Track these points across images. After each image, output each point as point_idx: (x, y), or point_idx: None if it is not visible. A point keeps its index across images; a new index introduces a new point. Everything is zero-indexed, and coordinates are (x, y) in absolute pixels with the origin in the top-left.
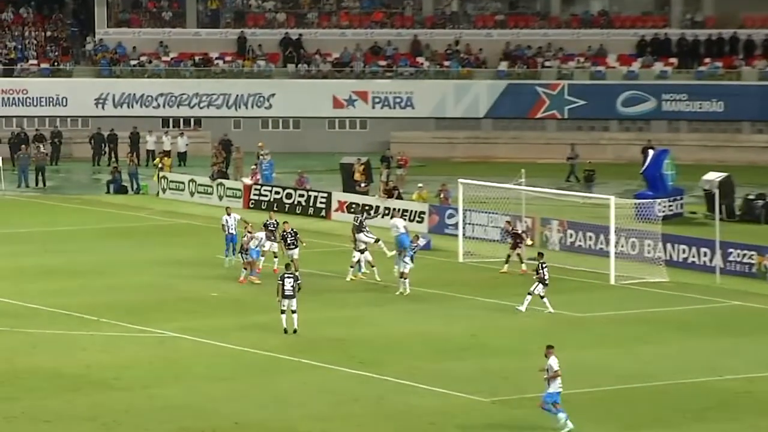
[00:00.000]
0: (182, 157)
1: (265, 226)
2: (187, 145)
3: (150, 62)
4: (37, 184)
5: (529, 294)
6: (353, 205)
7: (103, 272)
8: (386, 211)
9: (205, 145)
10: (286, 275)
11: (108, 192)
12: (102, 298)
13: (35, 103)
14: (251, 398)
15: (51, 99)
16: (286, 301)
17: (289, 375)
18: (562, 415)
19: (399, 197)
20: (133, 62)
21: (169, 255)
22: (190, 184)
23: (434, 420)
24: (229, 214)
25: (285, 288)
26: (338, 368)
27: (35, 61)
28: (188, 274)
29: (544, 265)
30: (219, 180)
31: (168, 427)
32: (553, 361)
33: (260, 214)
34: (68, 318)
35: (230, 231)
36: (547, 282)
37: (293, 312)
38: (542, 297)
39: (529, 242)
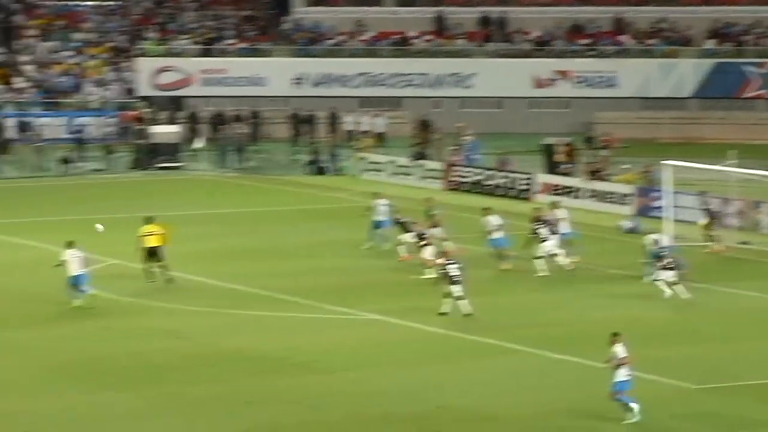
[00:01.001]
0: (381, 137)
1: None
2: (386, 125)
3: (347, 42)
4: (236, 164)
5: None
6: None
7: (303, 254)
8: (591, 193)
9: (404, 125)
10: (449, 262)
11: (307, 173)
12: (303, 280)
13: (234, 83)
14: (455, 383)
15: (249, 79)
16: (453, 287)
17: (493, 359)
18: (635, 405)
19: (603, 179)
20: (330, 42)
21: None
22: (390, 164)
23: (643, 407)
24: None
25: (450, 275)
26: (541, 353)
27: (234, 41)
28: (388, 256)
29: None
30: (418, 161)
31: (372, 411)
32: (619, 349)
33: (460, 196)
34: (270, 299)
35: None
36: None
37: (460, 298)
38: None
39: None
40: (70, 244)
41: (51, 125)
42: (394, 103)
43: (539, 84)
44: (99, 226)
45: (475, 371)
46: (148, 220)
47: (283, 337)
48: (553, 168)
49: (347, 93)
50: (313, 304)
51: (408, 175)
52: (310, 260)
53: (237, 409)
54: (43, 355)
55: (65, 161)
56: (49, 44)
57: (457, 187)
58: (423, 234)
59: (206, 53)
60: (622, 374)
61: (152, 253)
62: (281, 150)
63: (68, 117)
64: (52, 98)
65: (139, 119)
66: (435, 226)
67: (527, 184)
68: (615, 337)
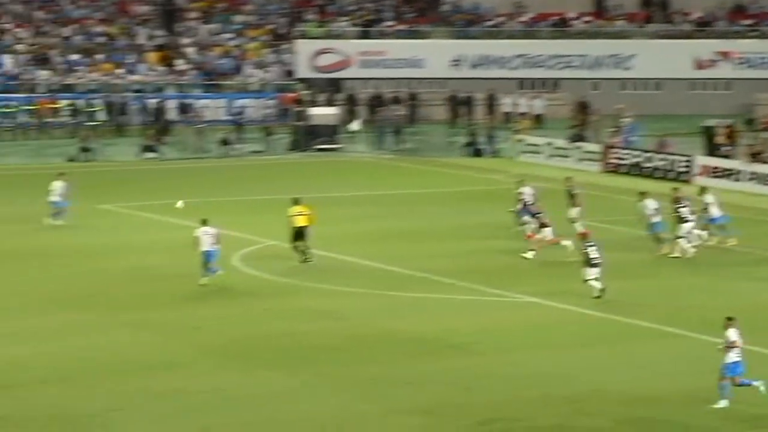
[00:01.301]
0: (539, 119)
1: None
2: (544, 107)
3: (506, 23)
4: (394, 146)
5: None
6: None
7: (459, 235)
8: (751, 176)
9: (562, 107)
10: (588, 244)
11: (464, 155)
12: (459, 262)
13: (392, 65)
14: (612, 366)
15: (408, 61)
16: (591, 270)
17: (650, 343)
18: (756, 383)
19: (764, 161)
20: (489, 23)
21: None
22: (547, 147)
23: None
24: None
25: (590, 257)
26: (700, 337)
27: (392, 23)
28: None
29: None
30: (577, 143)
31: (528, 394)
32: (732, 333)
33: (618, 178)
34: (426, 281)
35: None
36: None
37: (596, 280)
38: None
39: None
40: (204, 222)
41: (211, 107)
42: (552, 84)
43: (700, 65)
44: (180, 203)
45: (632, 354)
46: (296, 201)
47: (440, 319)
48: (713, 150)
49: (505, 75)
50: (469, 286)
51: (566, 157)
52: (467, 242)
53: (393, 390)
54: (202, 335)
55: (225, 143)
56: (210, 26)
57: (615, 170)
58: (540, 214)
59: (365, 35)
60: (731, 356)
61: (300, 234)
62: (438, 132)
63: (228, 99)
64: (212, 80)
65: (298, 101)
66: (574, 206)
67: (686, 166)
68: (729, 321)
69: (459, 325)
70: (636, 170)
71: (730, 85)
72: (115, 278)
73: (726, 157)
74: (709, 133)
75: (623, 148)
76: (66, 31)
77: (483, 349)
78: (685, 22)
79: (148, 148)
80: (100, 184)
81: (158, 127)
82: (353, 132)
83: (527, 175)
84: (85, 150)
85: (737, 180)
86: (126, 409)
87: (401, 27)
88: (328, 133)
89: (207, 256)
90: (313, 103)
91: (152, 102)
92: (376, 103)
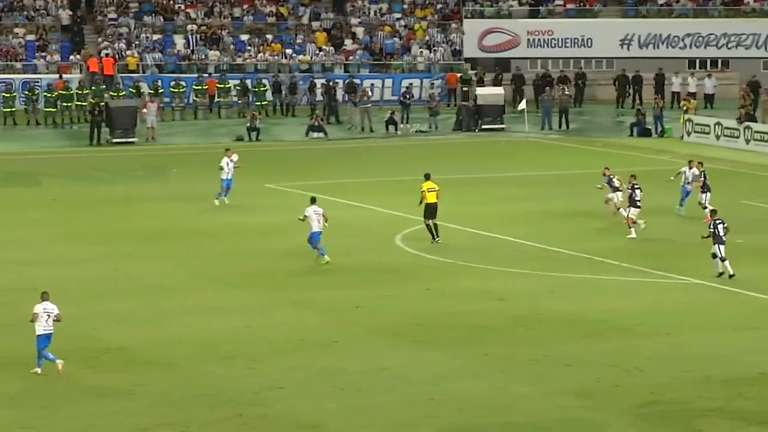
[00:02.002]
0: (709, 99)
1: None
2: (714, 87)
3: (677, 2)
4: (560, 126)
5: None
6: None
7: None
8: None
9: (733, 87)
10: (717, 220)
11: (631, 135)
12: (623, 243)
13: (560, 45)
14: None
15: (576, 40)
16: (719, 247)
17: None
18: None
19: None
20: (660, 2)
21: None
22: (716, 127)
23: None
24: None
25: (718, 234)
26: None
27: (561, 2)
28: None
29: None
30: (746, 123)
31: (690, 376)
32: None
33: None
34: (589, 262)
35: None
36: None
37: (723, 260)
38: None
39: None
40: (312, 200)
41: (378, 87)
42: (722, 64)
43: None
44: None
45: None
46: (427, 177)
47: (602, 300)
48: None
49: (675, 54)
50: (633, 267)
51: (735, 138)
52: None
53: (555, 371)
54: (364, 314)
55: (391, 123)
56: (379, 6)
57: None
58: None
59: (533, 14)
60: None
61: (432, 209)
62: (605, 112)
63: (395, 79)
64: (380, 60)
65: (465, 81)
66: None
67: None
68: None
69: (621, 307)
70: None
71: None
72: (279, 257)
73: None
74: None
75: None
76: (236, 11)
77: (645, 330)
78: None
79: (315, 128)
80: (267, 163)
81: (325, 106)
82: (519, 112)
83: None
84: (252, 130)
85: None
86: (287, 388)
87: (570, 6)
88: (494, 113)
89: (312, 237)
90: (480, 83)
91: (320, 82)
92: (543, 83)
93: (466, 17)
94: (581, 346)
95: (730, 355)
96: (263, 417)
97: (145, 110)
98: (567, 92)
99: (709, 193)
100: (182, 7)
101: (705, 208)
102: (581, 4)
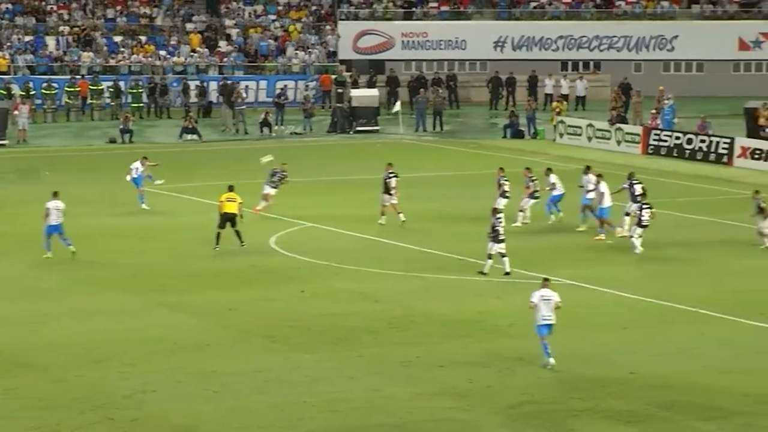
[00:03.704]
0: (581, 101)
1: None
2: (586, 88)
3: (550, 4)
4: (434, 128)
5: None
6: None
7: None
8: None
9: (605, 88)
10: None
11: (504, 136)
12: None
13: (434, 47)
14: (648, 349)
15: (450, 42)
16: (494, 245)
17: (687, 326)
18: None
19: None
20: (533, 4)
21: (566, 201)
22: (588, 128)
23: None
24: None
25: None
26: (739, 320)
27: (435, 5)
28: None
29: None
30: (617, 125)
31: (562, 377)
32: None
33: (658, 160)
34: (463, 264)
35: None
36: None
37: (503, 256)
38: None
39: None
40: (55, 194)
41: (253, 88)
42: (594, 66)
43: (744, 46)
44: (266, 158)
45: (667, 337)
46: (230, 188)
47: (476, 302)
48: (754, 132)
49: (548, 56)
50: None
51: (606, 139)
52: (505, 225)
53: (428, 372)
54: (238, 316)
55: (265, 124)
56: (254, 8)
57: (655, 152)
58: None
59: (408, 16)
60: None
61: (229, 219)
62: (479, 114)
63: (270, 80)
64: (254, 62)
65: (339, 83)
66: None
67: (727, 148)
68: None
69: (494, 308)
70: (676, 152)
71: None
72: (153, 260)
73: (767, 139)
74: (751, 114)
75: (663, 130)
76: (109, 12)
77: (517, 331)
78: (730, 3)
79: (189, 130)
80: None
81: (199, 109)
82: (394, 114)
83: (569, 158)
84: (125, 132)
85: None
86: (160, 391)
87: (444, 8)
88: (368, 114)
89: (52, 230)
90: (355, 85)
91: (194, 84)
92: (417, 84)
93: (340, 19)
94: (454, 347)
95: (601, 355)
96: (135, 420)
97: (16, 112)
98: (441, 94)
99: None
100: (54, 8)
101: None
102: (455, 6)
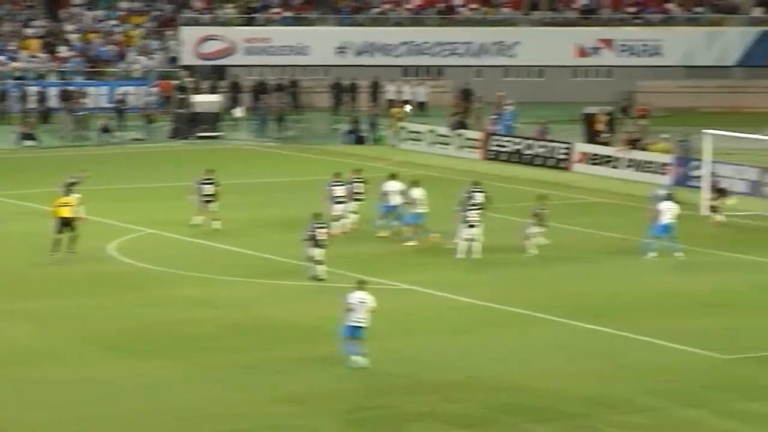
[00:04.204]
0: (423, 106)
1: None
2: (427, 94)
3: (393, 10)
4: (276, 134)
5: None
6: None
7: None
8: (630, 163)
9: (447, 94)
10: (316, 224)
11: (346, 142)
12: (337, 250)
13: (277, 52)
14: (485, 352)
15: (293, 48)
16: (314, 250)
17: (522, 329)
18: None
19: (642, 148)
20: (375, 10)
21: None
22: (429, 134)
23: (672, 377)
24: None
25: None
26: (573, 323)
27: (278, 10)
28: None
29: None
30: (458, 130)
31: (399, 381)
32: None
33: (499, 165)
34: (303, 269)
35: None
36: None
37: (319, 263)
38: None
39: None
40: None
41: (93, 94)
42: (436, 72)
43: (582, 53)
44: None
45: (503, 341)
46: (68, 191)
47: (316, 307)
48: (592, 137)
49: (390, 62)
50: (346, 273)
51: (447, 144)
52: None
53: (269, 378)
54: (79, 325)
55: (106, 130)
56: (94, 13)
57: (495, 157)
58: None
59: (250, 22)
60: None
61: (65, 224)
62: (321, 119)
63: (110, 86)
64: (95, 67)
65: (180, 88)
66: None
67: (566, 153)
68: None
69: (334, 313)
70: (516, 157)
71: (612, 72)
72: None
73: (605, 144)
74: (588, 120)
75: (504, 136)
76: None
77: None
78: (570, 9)
79: (27, 136)
80: None
81: (38, 114)
82: (236, 119)
83: (410, 163)
84: None
85: (615, 167)
86: None
87: (287, 14)
88: (210, 120)
89: None
90: (196, 91)
91: (33, 89)
92: (260, 90)
93: (182, 24)
94: (293, 352)
95: (439, 359)
96: None
97: None
98: (283, 100)
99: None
100: None
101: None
102: (298, 12)
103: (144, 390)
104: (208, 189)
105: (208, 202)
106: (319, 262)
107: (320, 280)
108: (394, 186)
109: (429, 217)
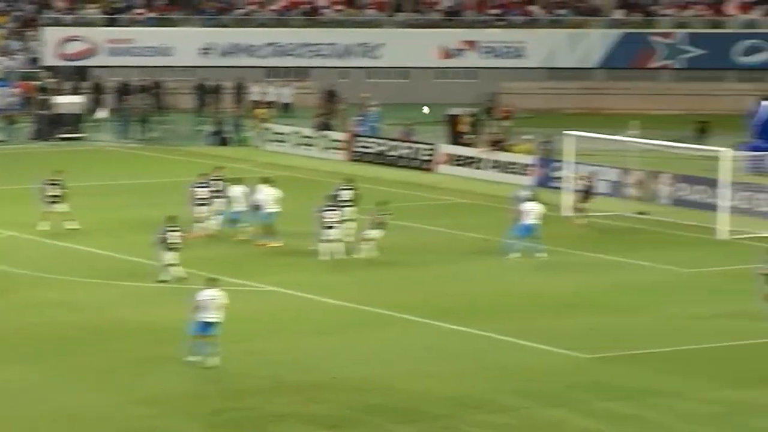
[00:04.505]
0: (287, 107)
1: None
2: (292, 95)
3: (257, 12)
4: (139, 135)
5: None
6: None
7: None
8: (494, 164)
9: (311, 95)
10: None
11: (210, 143)
12: (200, 251)
13: (141, 53)
14: (349, 353)
15: (156, 49)
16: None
17: (386, 330)
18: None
19: (505, 150)
20: (240, 11)
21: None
22: (294, 135)
23: (535, 377)
24: None
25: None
26: (437, 324)
27: (142, 11)
28: (287, 227)
29: None
30: (323, 131)
31: (263, 383)
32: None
33: (363, 167)
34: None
35: None
36: None
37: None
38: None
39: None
40: None
41: None
42: (302, 73)
43: (446, 54)
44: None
45: (370, 342)
46: None
47: (176, 308)
48: (456, 139)
49: (255, 63)
50: (209, 275)
51: (311, 146)
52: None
53: (128, 381)
54: None
55: None
56: None
57: (360, 158)
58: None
59: (113, 23)
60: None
61: None
62: (185, 120)
63: None
64: None
65: (42, 89)
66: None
67: (430, 154)
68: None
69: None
70: (380, 159)
71: (476, 74)
72: None
73: (469, 145)
74: (452, 121)
75: (368, 137)
76: None
77: (220, 338)
78: (434, 11)
79: None
80: None
81: None
82: (99, 121)
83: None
84: None
85: (479, 168)
86: None
87: (150, 15)
88: (72, 121)
89: None
90: (58, 92)
91: None
92: (123, 91)
93: (44, 25)
94: (153, 354)
95: (304, 361)
96: None
97: None
98: (146, 101)
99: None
100: None
101: None
102: (162, 12)
103: (1, 395)
104: (53, 190)
105: (53, 203)
106: (173, 265)
107: (164, 281)
108: (238, 190)
109: (285, 217)
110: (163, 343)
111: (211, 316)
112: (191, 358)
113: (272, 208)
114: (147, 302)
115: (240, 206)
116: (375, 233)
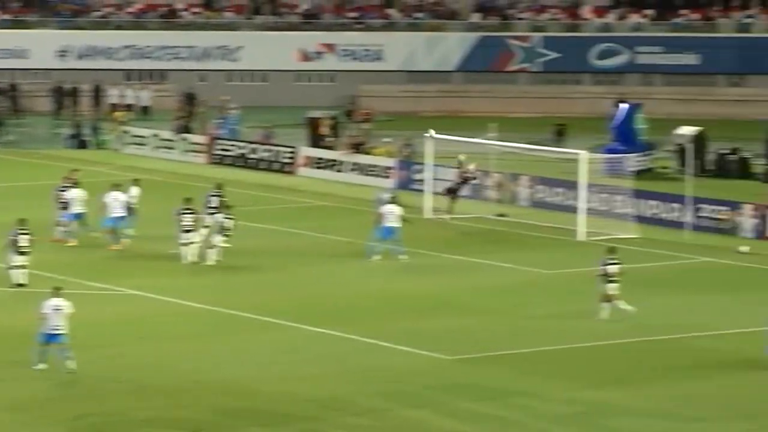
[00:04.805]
0: (146, 110)
1: None
2: (150, 98)
3: (114, 14)
4: None
5: None
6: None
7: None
8: (353, 167)
9: (170, 98)
10: None
11: (68, 147)
12: (58, 255)
13: None
14: (212, 357)
15: (12, 51)
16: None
17: (250, 333)
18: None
19: (365, 152)
20: (96, 14)
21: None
22: (153, 138)
23: (397, 378)
24: None
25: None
26: (300, 326)
27: None
28: (145, 230)
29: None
30: (183, 134)
31: (126, 387)
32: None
33: (223, 169)
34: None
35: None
36: None
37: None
38: None
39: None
40: None
41: None
42: (160, 76)
43: (305, 57)
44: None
45: (234, 345)
46: None
47: (27, 313)
48: (316, 141)
49: (113, 66)
50: (70, 279)
51: (171, 149)
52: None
53: None
54: None
55: None
56: None
57: (220, 161)
58: None
59: None
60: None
61: None
62: (42, 123)
63: None
64: None
65: None
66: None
67: (291, 157)
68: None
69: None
70: (241, 162)
71: (335, 76)
72: None
73: (329, 148)
74: (312, 124)
75: (228, 140)
76: None
77: (82, 342)
78: (292, 14)
79: None
80: None
81: None
82: None
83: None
84: None
85: (339, 171)
86: None
87: (5, 17)
88: None
89: None
90: None
91: None
92: None
93: None
94: (11, 359)
95: (168, 364)
96: None
97: None
98: (2, 104)
99: None
100: None
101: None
102: (17, 15)
103: None
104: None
105: None
106: (21, 267)
107: (20, 285)
108: (74, 194)
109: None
110: (18, 349)
111: (56, 328)
112: (40, 366)
113: (79, 209)
114: (8, 306)
115: (77, 209)
116: (218, 239)
